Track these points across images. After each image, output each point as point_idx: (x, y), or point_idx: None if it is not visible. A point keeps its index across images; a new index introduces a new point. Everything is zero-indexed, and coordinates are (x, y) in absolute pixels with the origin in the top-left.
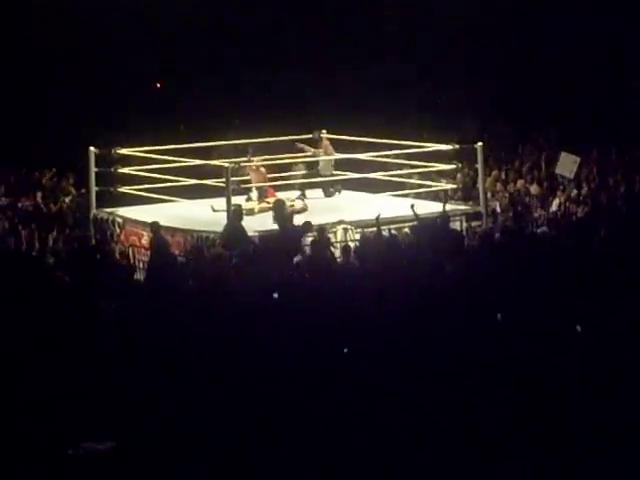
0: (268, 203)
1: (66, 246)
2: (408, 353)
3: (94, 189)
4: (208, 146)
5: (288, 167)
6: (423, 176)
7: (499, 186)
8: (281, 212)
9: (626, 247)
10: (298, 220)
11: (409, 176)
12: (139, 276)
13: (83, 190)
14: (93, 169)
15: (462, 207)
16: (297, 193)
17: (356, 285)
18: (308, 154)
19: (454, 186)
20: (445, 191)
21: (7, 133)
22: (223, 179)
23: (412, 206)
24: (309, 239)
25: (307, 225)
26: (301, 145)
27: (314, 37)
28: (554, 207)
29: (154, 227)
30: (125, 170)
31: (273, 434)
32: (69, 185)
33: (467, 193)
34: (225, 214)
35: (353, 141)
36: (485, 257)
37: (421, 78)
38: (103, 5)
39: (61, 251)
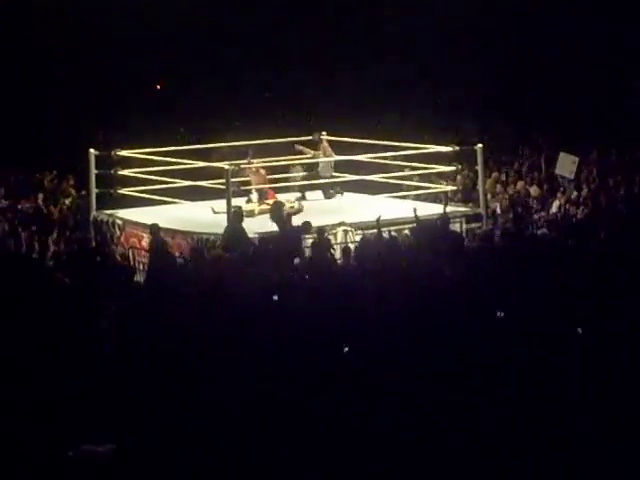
0: (268, 205)
1: (66, 248)
2: (408, 354)
3: (94, 191)
4: (208, 148)
5: (286, 169)
6: (423, 178)
7: (499, 188)
8: (279, 213)
9: (626, 248)
10: (296, 221)
11: (409, 178)
12: (139, 278)
13: (83, 192)
14: (93, 171)
15: (462, 209)
16: (297, 195)
17: (356, 286)
18: (307, 156)
19: (454, 188)
20: (445, 193)
21: (7, 134)
22: (223, 181)
23: (415, 210)
24: (309, 241)
25: (306, 225)
26: (300, 147)
27: (314, 37)
28: (554, 209)
29: (153, 229)
30: (125, 172)
31: (273, 435)
32: (69, 187)
33: (467, 195)
34: (225, 216)
35: (353, 143)
36: (485, 259)
37: (421, 78)
38: (103, 5)
39: (61, 253)
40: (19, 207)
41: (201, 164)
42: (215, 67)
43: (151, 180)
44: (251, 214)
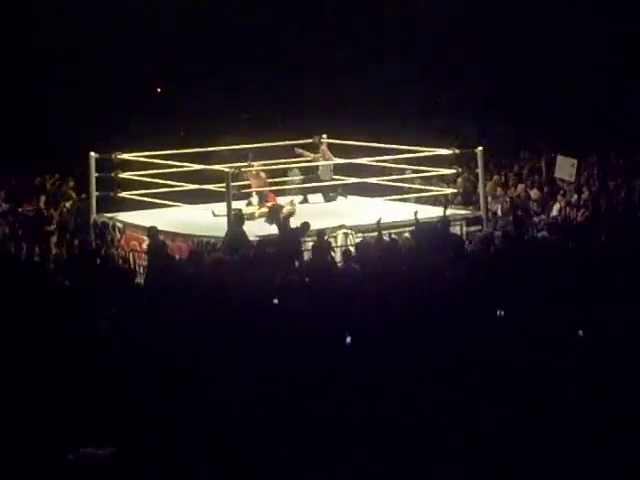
0: (268, 208)
1: (67, 251)
2: (408, 356)
3: (94, 194)
4: (207, 151)
5: (284, 172)
6: (423, 181)
7: (499, 191)
8: (277, 217)
9: (626, 251)
10: (295, 223)
11: (410, 181)
12: (140, 281)
13: (84, 195)
14: (94, 174)
15: (462, 212)
16: (297, 198)
17: (356, 289)
18: (307, 159)
19: (454, 190)
20: (445, 195)
21: (7, 135)
22: (224, 184)
23: (415, 213)
24: (310, 243)
25: (304, 226)
26: (300, 150)
27: (314, 37)
28: (554, 212)
29: (152, 232)
30: (125, 175)
31: (273, 437)
32: (69, 189)
33: (467, 198)
34: (225, 219)
35: (352, 145)
36: (485, 261)
37: (421, 78)
38: (103, 5)
39: (62, 256)
40: (20, 210)
41: (201, 167)
42: (215, 67)
43: (152, 183)
44: (251, 217)
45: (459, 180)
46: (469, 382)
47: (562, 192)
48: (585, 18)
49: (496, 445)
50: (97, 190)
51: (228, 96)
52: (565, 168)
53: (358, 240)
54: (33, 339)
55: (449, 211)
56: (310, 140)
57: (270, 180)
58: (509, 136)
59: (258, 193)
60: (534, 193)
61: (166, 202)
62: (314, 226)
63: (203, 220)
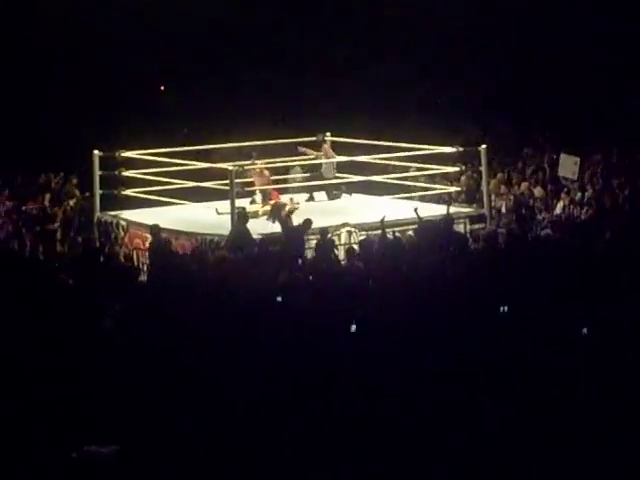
0: (271, 206)
1: (70, 249)
2: (411, 354)
3: (98, 192)
4: (210, 149)
5: (286, 170)
6: (427, 179)
7: (503, 188)
8: (278, 214)
9: (630, 249)
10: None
11: (413, 179)
12: (143, 279)
13: (87, 193)
14: (97, 172)
15: (466, 210)
16: (299, 196)
17: (360, 287)
18: (310, 157)
19: (458, 189)
20: (449, 194)
21: (7, 135)
22: (227, 182)
23: (415, 209)
24: (313, 241)
25: (306, 223)
26: (303, 148)
27: (314, 37)
28: (558, 210)
29: (154, 230)
30: (129, 173)
31: (277, 435)
32: (73, 187)
33: (471, 196)
34: (229, 217)
35: (357, 143)
36: (489, 259)
37: (421, 78)
38: (103, 5)
39: (65, 254)
40: (23, 208)
41: (205, 165)
42: (215, 67)
43: (155, 181)
44: (255, 215)
45: (463, 178)
46: (473, 380)
47: (566, 190)
48: (585, 18)
49: (499, 444)
50: (101, 188)
51: (228, 96)
52: (568, 166)
53: (362, 238)
54: (37, 337)
55: (453, 209)
56: (314, 138)
57: (274, 178)
58: (511, 136)
59: (262, 191)
60: (538, 191)
61: (170, 200)
62: (318, 224)
63: (207, 218)
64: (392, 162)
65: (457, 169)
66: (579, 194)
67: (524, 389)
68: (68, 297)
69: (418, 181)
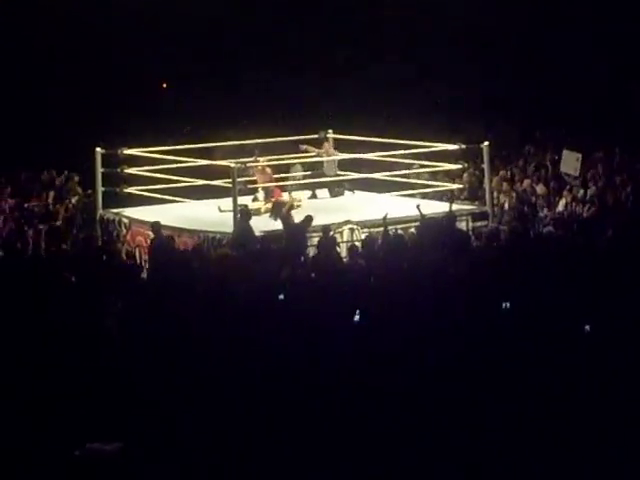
0: (272, 203)
1: (72, 247)
2: (413, 352)
3: (100, 190)
4: (211, 146)
5: (287, 168)
6: (429, 176)
7: (505, 186)
8: (279, 212)
9: (633, 246)
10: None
11: (415, 176)
12: (145, 276)
13: (89, 191)
14: (99, 170)
15: (468, 207)
16: (300, 193)
17: (362, 285)
18: (312, 155)
19: (460, 186)
20: (451, 191)
21: (8, 134)
22: (230, 179)
23: (418, 206)
24: (315, 239)
25: (307, 220)
26: (305, 146)
27: (314, 37)
28: (560, 207)
29: (155, 227)
30: (131, 171)
31: (277, 434)
32: (75, 185)
33: (473, 193)
34: (231, 214)
35: (359, 141)
36: (491, 257)
37: (421, 78)
38: (103, 5)
39: (68, 252)
40: (25, 206)
41: (207, 162)
42: (215, 67)
43: (157, 179)
44: (257, 212)
45: (465, 175)
46: (475, 378)
47: (568, 187)
48: (585, 18)
49: (501, 442)
50: (103, 186)
51: (228, 96)
52: (570, 162)
53: (364, 236)
54: (39, 334)
55: (455, 206)
56: (316, 136)
57: (277, 175)
58: (512, 134)
59: (264, 188)
60: (540, 188)
61: (172, 197)
62: (320, 221)
63: (209, 215)
64: (394, 159)
65: (459, 166)
66: (581, 191)
67: (526, 387)
68: (70, 294)
69: (420, 178)
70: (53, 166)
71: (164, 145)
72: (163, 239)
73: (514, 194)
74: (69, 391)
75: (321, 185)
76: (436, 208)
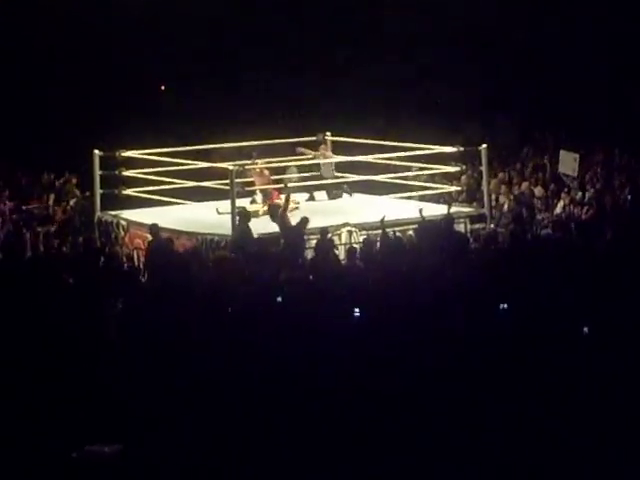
0: (268, 206)
1: (71, 249)
2: (412, 355)
3: (99, 192)
4: (210, 148)
5: (284, 170)
6: (427, 178)
7: (503, 188)
8: (275, 215)
9: (631, 248)
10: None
11: (413, 178)
12: (144, 279)
13: (87, 193)
14: (97, 172)
15: (466, 209)
16: (295, 196)
17: (360, 287)
18: (309, 157)
19: (458, 188)
20: (449, 193)
21: (7, 135)
22: (228, 182)
23: (420, 210)
24: (313, 241)
25: (303, 221)
26: (301, 149)
27: (314, 37)
28: (558, 209)
29: (153, 229)
30: (129, 173)
31: (276, 437)
32: (73, 187)
33: (471, 195)
34: (229, 216)
35: (357, 143)
36: (489, 259)
37: (421, 78)
38: (103, 5)
39: (66, 254)
40: (23, 208)
41: (205, 165)
42: (215, 67)
43: (155, 181)
44: (255, 215)
45: (463, 178)
46: (474, 381)
47: (566, 190)
48: (585, 18)
49: (500, 443)
50: (101, 188)
51: (228, 96)
52: (568, 163)
53: (362, 238)
54: (38, 337)
55: (453, 209)
56: (314, 138)
57: (275, 177)
58: (511, 134)
59: (262, 191)
60: (538, 190)
61: (170, 200)
62: (318, 224)
63: (207, 218)
64: (393, 162)
65: (458, 169)
66: (579, 194)
67: (525, 389)
68: (69, 297)
69: (418, 181)
70: (52, 168)
71: (165, 146)
72: (161, 241)
73: (512, 196)
74: (68, 394)
75: (319, 187)
76: (434, 210)
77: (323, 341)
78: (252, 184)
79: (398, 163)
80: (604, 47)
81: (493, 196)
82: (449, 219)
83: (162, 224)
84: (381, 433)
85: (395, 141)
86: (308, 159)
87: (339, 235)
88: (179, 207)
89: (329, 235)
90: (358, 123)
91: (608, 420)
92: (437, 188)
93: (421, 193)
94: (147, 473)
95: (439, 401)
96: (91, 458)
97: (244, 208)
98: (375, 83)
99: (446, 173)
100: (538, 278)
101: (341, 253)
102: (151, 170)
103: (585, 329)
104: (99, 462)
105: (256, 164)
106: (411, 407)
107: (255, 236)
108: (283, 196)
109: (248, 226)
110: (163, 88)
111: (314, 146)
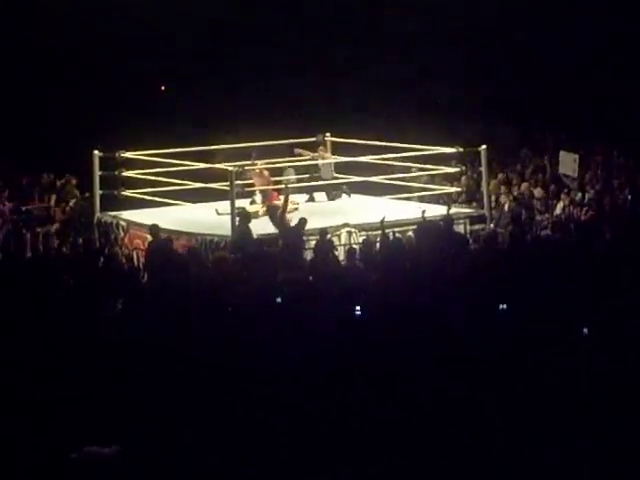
0: (267, 208)
1: (70, 250)
2: (412, 355)
3: (98, 192)
4: (210, 149)
5: (281, 172)
6: (427, 179)
7: (503, 189)
8: (274, 216)
9: (631, 249)
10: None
11: (413, 179)
12: (143, 279)
13: (87, 194)
14: (97, 172)
15: (466, 210)
16: (294, 197)
17: (359, 288)
18: (307, 158)
19: (458, 189)
20: (449, 194)
21: (7, 135)
22: (227, 182)
23: (423, 212)
24: (313, 242)
25: (302, 222)
26: (299, 150)
27: (314, 37)
28: (558, 210)
29: (153, 230)
30: (129, 173)
31: (276, 437)
32: (73, 188)
33: (471, 196)
34: (229, 217)
35: (357, 144)
36: (488, 260)
37: (421, 78)
38: (103, 5)
39: (66, 255)
40: (23, 209)
41: (205, 166)
42: (215, 67)
43: (155, 182)
44: (255, 215)
45: (463, 178)
46: (473, 382)
47: (566, 191)
48: (585, 18)
49: (499, 444)
50: (101, 188)
51: (228, 96)
52: (568, 164)
53: (362, 239)
54: (38, 338)
55: (453, 209)
56: (313, 139)
57: (274, 178)
58: (511, 135)
59: (261, 191)
60: (538, 192)
61: (170, 200)
62: (318, 225)
63: (207, 218)
64: (392, 162)
65: (457, 169)
66: (579, 195)
67: (524, 390)
68: (68, 297)
69: (418, 181)
70: (51, 168)
71: (165, 147)
72: (161, 242)
73: (511, 197)
74: (68, 394)
75: (318, 188)
76: (434, 211)
77: (322, 341)
78: (252, 185)
79: (398, 164)
80: (604, 47)
81: (493, 197)
82: (449, 220)
83: (162, 225)
84: (381, 433)
85: (395, 141)
86: (306, 160)
87: (339, 236)
88: (179, 208)
89: (329, 236)
90: (358, 123)
91: (608, 420)
92: (437, 189)
93: (420, 194)
94: (147, 474)
95: (439, 401)
96: (90, 459)
97: (244, 209)
98: (375, 83)
99: (446, 174)
100: (538, 279)
101: (341, 254)
102: (151, 171)
103: (585, 330)
104: (98, 463)
105: (255, 165)
106: (411, 407)
107: (255, 237)
108: (282, 197)
109: (248, 227)
110: (163, 88)
111: (313, 147)
